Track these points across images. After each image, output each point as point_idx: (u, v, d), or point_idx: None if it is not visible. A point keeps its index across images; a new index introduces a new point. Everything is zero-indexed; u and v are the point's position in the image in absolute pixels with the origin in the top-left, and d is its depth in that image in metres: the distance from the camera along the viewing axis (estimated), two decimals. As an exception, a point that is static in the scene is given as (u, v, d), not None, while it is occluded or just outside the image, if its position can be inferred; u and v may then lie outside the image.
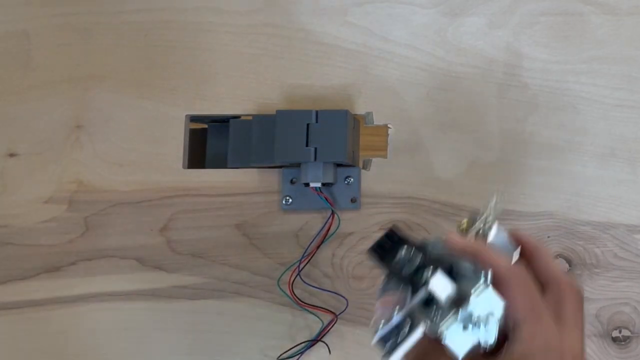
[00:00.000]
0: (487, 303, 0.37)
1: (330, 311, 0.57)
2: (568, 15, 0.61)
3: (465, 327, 0.37)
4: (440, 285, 0.37)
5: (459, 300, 0.37)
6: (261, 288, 0.58)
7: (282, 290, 0.57)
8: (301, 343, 0.57)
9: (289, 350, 0.57)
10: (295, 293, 0.57)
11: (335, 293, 0.58)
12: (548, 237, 0.58)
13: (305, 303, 0.57)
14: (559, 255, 0.58)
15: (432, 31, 0.61)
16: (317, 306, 0.57)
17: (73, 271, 0.59)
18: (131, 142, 0.60)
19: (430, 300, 0.38)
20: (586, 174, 0.59)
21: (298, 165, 0.57)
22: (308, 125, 0.55)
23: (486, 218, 0.41)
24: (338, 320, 0.57)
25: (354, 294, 0.58)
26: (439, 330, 0.37)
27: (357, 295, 0.58)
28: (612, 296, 0.57)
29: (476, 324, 0.37)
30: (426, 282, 0.37)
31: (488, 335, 0.37)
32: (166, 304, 0.59)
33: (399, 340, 0.37)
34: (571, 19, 0.61)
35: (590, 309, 0.57)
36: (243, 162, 0.58)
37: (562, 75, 0.60)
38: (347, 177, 0.59)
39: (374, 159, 0.59)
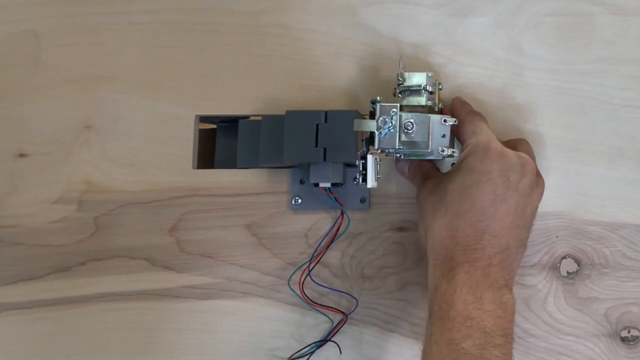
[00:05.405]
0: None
1: (341, 311, 0.57)
2: (575, 16, 0.61)
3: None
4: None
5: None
6: (270, 288, 0.59)
7: (293, 290, 0.57)
8: (311, 343, 0.57)
9: (299, 350, 0.57)
10: (305, 293, 0.57)
11: (345, 293, 0.58)
12: (557, 237, 0.58)
13: (315, 303, 0.57)
14: (568, 255, 0.58)
15: (440, 32, 0.61)
16: (327, 306, 0.57)
17: (82, 271, 0.59)
18: (140, 142, 0.60)
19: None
20: (594, 174, 0.59)
21: (307, 165, 0.57)
22: (317, 125, 0.55)
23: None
24: (348, 320, 0.57)
25: (363, 294, 0.58)
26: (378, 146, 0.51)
27: (366, 295, 0.58)
28: (621, 296, 0.57)
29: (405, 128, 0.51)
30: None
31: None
32: (175, 304, 0.59)
33: (363, 171, 0.53)
34: (579, 19, 0.61)
35: (599, 309, 0.57)
36: (252, 163, 0.58)
37: (569, 75, 0.60)
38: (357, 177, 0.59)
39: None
